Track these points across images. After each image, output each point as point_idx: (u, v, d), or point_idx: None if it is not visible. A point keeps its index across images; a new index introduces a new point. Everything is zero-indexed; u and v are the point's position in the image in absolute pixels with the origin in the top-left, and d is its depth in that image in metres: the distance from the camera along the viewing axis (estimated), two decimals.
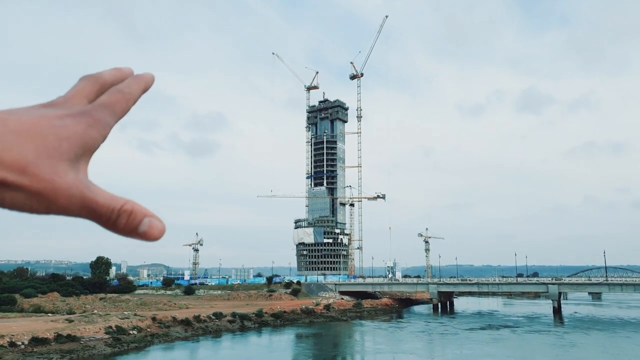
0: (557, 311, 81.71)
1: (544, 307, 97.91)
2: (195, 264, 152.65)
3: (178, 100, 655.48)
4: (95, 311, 61.90)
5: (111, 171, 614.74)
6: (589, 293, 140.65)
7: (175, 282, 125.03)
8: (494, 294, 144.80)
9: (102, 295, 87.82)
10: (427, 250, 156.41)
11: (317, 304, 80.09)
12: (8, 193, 0.43)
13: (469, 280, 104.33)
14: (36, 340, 37.36)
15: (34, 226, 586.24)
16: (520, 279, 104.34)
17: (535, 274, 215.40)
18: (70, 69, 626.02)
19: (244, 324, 60.18)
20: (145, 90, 0.59)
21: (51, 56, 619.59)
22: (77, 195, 0.47)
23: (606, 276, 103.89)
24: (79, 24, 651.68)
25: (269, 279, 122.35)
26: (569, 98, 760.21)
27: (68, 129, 0.49)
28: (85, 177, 0.50)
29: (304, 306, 75.36)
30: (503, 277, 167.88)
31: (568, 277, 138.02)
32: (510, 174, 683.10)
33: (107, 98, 0.57)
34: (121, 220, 0.50)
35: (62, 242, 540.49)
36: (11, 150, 0.43)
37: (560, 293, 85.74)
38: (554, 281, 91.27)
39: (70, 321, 46.79)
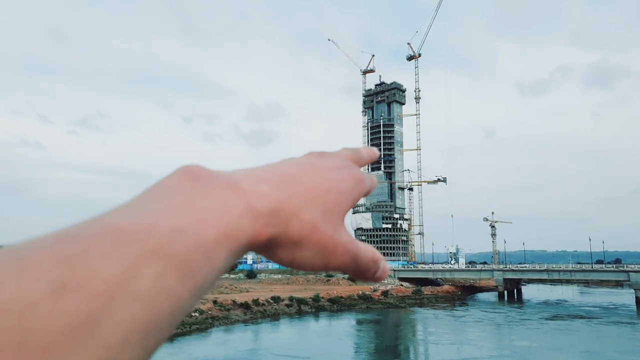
0: None
1: (626, 297, 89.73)
2: None
3: (237, 93, 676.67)
4: None
5: (179, 162, 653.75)
6: None
7: (239, 266, 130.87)
8: (568, 281, 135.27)
9: None
10: (493, 235, 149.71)
11: (375, 290, 79.79)
12: (298, 251, 0.42)
13: (538, 266, 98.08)
14: None
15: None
16: (596, 266, 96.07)
17: (617, 260, 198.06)
18: (140, 70, 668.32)
19: (300, 308, 61.42)
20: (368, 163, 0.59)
21: (119, 58, 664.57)
22: (352, 251, 0.45)
23: None
24: (144, 26, 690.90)
25: None
26: None
27: (345, 183, 0.48)
28: (347, 230, 0.48)
29: (360, 292, 75.39)
30: (579, 263, 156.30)
31: None
32: (580, 154, 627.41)
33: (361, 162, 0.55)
34: (373, 270, 0.48)
35: None
36: (307, 209, 0.43)
37: None
38: (636, 268, 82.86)
39: None
